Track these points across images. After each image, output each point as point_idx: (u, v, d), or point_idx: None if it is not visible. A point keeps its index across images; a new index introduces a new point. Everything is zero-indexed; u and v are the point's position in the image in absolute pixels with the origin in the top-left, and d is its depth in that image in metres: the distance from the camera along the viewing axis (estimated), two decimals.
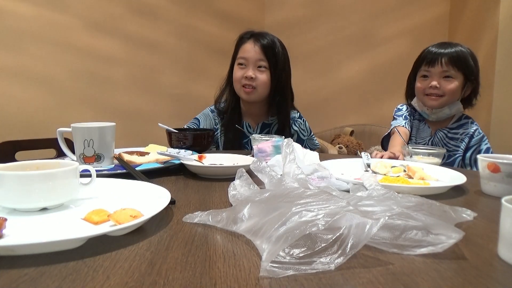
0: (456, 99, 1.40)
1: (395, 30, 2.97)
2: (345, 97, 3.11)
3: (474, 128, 1.42)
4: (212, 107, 1.58)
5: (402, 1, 2.95)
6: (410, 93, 1.52)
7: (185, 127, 1.52)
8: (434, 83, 1.37)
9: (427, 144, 1.45)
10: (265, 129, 1.56)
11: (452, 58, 1.34)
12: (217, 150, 1.55)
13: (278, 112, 1.52)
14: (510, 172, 0.76)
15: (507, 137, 2.12)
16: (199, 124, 1.52)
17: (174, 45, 2.61)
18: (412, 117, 1.51)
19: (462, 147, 1.42)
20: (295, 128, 1.57)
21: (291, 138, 1.52)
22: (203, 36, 2.78)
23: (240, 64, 1.47)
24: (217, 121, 1.55)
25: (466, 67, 1.35)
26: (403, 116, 1.51)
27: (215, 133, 1.54)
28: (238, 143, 1.52)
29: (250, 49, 1.44)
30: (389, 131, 1.51)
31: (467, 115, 1.48)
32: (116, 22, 2.28)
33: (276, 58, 1.44)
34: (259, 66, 1.44)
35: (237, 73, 1.47)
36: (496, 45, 2.15)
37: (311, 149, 1.53)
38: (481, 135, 1.42)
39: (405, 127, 1.46)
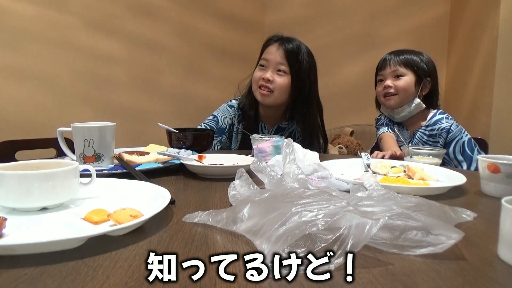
0: (412, 96, 1.46)
1: (395, 30, 2.97)
2: (345, 97, 3.11)
3: (450, 122, 1.44)
4: (230, 103, 1.56)
5: (402, 1, 2.95)
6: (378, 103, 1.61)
7: (202, 125, 1.50)
8: (387, 82, 1.47)
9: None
10: (279, 133, 1.56)
11: (399, 59, 1.46)
12: (230, 149, 1.54)
13: (303, 123, 1.49)
14: (510, 173, 0.76)
15: (507, 137, 2.12)
16: (218, 121, 1.49)
17: (174, 45, 2.61)
18: (392, 123, 1.57)
19: (441, 142, 1.44)
20: None
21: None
22: (203, 36, 2.78)
23: (261, 65, 1.46)
24: (236, 116, 1.53)
25: (415, 66, 1.45)
26: (384, 124, 1.59)
27: (233, 128, 1.53)
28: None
29: (273, 52, 1.43)
30: (376, 141, 1.56)
31: (442, 111, 1.50)
32: (116, 22, 2.28)
33: (299, 65, 1.42)
34: (279, 70, 1.42)
35: (256, 73, 1.47)
36: (496, 45, 2.15)
37: None
38: (459, 127, 1.44)
39: (390, 132, 1.52)
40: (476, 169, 1.33)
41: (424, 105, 1.45)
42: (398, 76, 1.46)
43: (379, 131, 1.58)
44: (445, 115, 1.47)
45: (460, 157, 1.41)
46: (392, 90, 1.46)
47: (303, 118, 1.48)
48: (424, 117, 1.49)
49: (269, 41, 1.48)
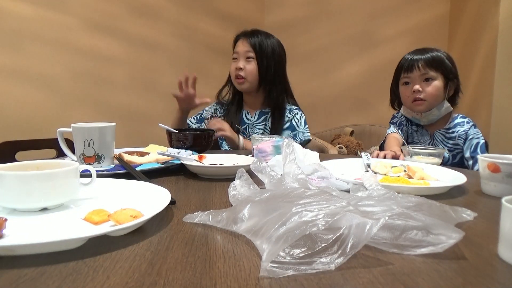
0: (441, 100, 1.42)
1: (395, 30, 2.97)
2: (345, 97, 3.11)
3: (469, 125, 1.43)
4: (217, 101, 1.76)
5: (402, 1, 2.95)
6: (397, 102, 1.57)
7: (191, 118, 1.69)
8: (416, 86, 1.41)
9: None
10: (263, 116, 1.68)
11: (428, 61, 1.40)
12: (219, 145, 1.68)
13: (269, 99, 1.65)
14: (510, 172, 0.76)
15: (507, 137, 2.12)
16: (202, 112, 1.72)
17: (174, 45, 2.61)
18: (410, 124, 1.55)
19: (460, 144, 1.44)
20: (289, 116, 1.65)
21: (284, 125, 1.62)
22: (203, 36, 2.78)
23: (234, 58, 1.65)
24: (219, 110, 1.72)
25: (444, 67, 1.40)
26: (397, 123, 1.56)
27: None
28: (237, 129, 1.63)
29: (240, 44, 1.63)
30: (384, 139, 1.55)
31: (463, 115, 1.49)
32: (116, 22, 2.28)
33: (262, 49, 1.59)
34: (248, 57, 1.60)
35: (231, 66, 1.66)
36: (496, 45, 2.15)
37: (300, 141, 1.60)
38: (476, 129, 1.43)
39: (398, 133, 1.50)
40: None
41: (451, 108, 1.43)
42: (427, 80, 1.40)
43: (388, 129, 1.56)
44: (466, 119, 1.46)
45: (467, 155, 1.40)
46: (421, 96, 1.40)
47: (270, 95, 1.65)
48: (445, 119, 1.48)
49: (237, 37, 1.67)
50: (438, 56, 1.40)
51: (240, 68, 1.59)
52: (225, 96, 1.74)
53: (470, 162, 1.40)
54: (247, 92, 1.67)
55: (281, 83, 1.65)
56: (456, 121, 1.46)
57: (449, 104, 1.43)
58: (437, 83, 1.40)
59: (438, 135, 1.47)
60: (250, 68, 1.60)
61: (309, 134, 1.68)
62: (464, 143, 1.43)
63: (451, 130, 1.45)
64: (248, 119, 1.68)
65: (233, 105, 1.70)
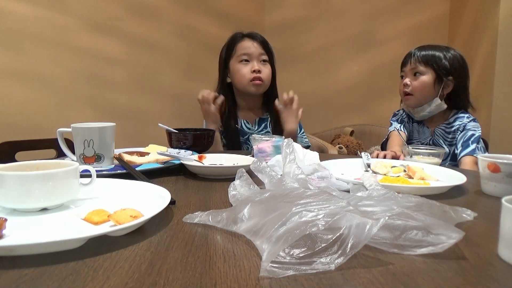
0: (431, 96, 1.41)
1: (395, 30, 2.97)
2: (345, 97, 3.11)
3: (469, 119, 1.43)
4: None
5: (402, 1, 2.95)
6: None
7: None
8: (406, 80, 1.43)
9: (429, 143, 1.47)
10: (263, 124, 1.61)
11: (419, 57, 1.41)
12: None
13: (271, 107, 1.57)
14: (510, 172, 0.76)
15: (507, 137, 2.12)
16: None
17: (174, 45, 2.61)
18: (411, 121, 1.55)
19: (458, 137, 1.44)
20: None
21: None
22: (203, 36, 2.78)
23: (245, 60, 1.52)
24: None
25: (436, 63, 1.39)
26: (399, 120, 1.57)
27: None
28: (238, 142, 1.55)
29: (251, 45, 1.51)
30: (386, 136, 1.55)
31: (463, 111, 1.48)
32: (116, 22, 2.28)
33: (272, 53, 1.56)
34: (262, 60, 1.52)
35: (243, 69, 1.51)
36: (496, 45, 2.15)
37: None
38: (476, 123, 1.42)
39: (401, 130, 1.51)
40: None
41: (445, 106, 1.42)
42: (416, 74, 1.41)
43: (390, 127, 1.57)
44: (466, 114, 1.45)
45: (459, 144, 1.39)
46: (408, 90, 1.42)
47: (274, 100, 1.55)
48: (445, 116, 1.47)
49: (237, 38, 1.55)
50: (434, 54, 1.40)
51: (259, 71, 1.50)
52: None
53: (459, 150, 1.38)
54: (253, 96, 1.57)
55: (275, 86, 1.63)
56: (456, 116, 1.46)
57: (441, 102, 1.42)
58: (425, 78, 1.40)
59: (439, 130, 1.47)
60: (267, 71, 1.53)
61: (307, 140, 1.65)
62: (460, 134, 1.42)
63: (451, 125, 1.46)
64: (249, 129, 1.59)
65: (230, 115, 1.56)
